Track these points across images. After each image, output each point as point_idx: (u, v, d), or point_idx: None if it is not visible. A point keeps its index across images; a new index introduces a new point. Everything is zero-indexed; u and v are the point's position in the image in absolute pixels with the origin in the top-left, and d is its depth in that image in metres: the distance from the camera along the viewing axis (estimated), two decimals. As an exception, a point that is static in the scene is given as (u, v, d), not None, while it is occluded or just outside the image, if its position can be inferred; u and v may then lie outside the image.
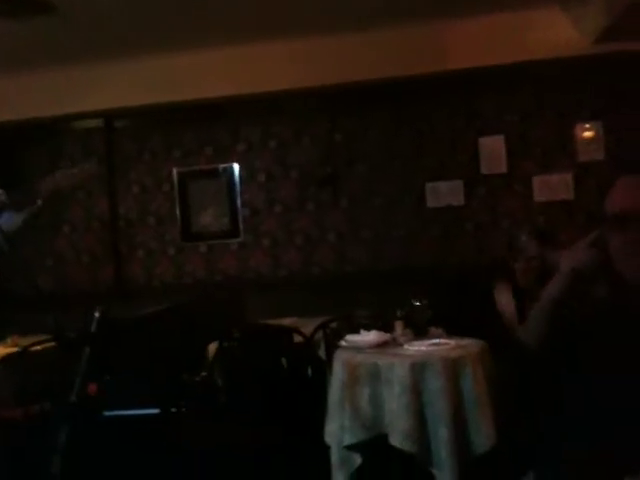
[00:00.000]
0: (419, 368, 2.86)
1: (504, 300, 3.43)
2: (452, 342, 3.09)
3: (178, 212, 5.46)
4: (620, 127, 4.84)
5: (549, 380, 1.57)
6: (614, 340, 1.47)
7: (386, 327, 3.33)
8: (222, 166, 5.40)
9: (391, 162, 5.17)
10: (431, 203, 5.14)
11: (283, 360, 3.80)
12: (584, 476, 1.40)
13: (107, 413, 3.72)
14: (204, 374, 4.01)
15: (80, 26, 4.35)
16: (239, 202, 5.39)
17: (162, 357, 4.08)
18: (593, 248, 1.51)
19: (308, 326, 3.94)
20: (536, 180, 5.04)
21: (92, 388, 3.72)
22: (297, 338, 3.82)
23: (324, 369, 3.69)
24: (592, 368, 1.47)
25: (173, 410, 3.74)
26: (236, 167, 5.38)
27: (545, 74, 4.92)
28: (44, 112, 5.16)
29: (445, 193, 5.11)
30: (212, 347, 3.93)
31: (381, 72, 4.82)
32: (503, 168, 5.08)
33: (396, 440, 2.78)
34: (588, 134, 4.99)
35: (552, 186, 5.02)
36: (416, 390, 2.83)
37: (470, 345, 3.07)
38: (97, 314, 3.91)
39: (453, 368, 2.87)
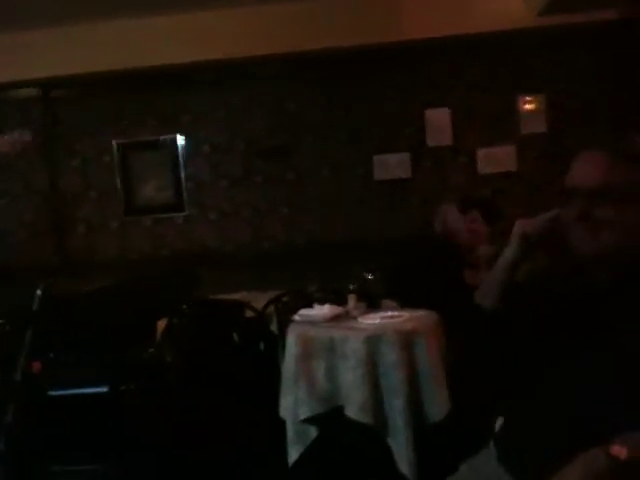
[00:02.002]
0: (374, 341, 2.87)
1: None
2: (406, 314, 3.11)
3: (120, 185, 5.31)
4: (563, 100, 4.94)
5: (504, 343, 1.61)
6: (560, 304, 1.51)
7: (339, 300, 3.33)
8: (165, 137, 5.26)
9: (339, 134, 5.14)
10: (378, 175, 5.15)
11: (234, 335, 3.77)
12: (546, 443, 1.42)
13: (53, 392, 3.63)
14: (152, 351, 3.95)
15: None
16: (183, 174, 5.27)
17: (109, 334, 3.99)
18: (549, 222, 1.56)
19: (259, 300, 3.93)
20: (480, 152, 5.11)
21: (36, 366, 3.62)
22: (248, 313, 3.79)
23: (276, 344, 3.68)
24: (544, 331, 1.51)
25: (122, 388, 3.67)
26: (179, 138, 5.26)
27: (490, 47, 4.96)
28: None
29: (393, 165, 5.12)
30: (161, 323, 3.86)
31: (329, 42, 4.76)
32: (448, 140, 5.13)
33: (352, 412, 2.79)
34: (531, 107, 5.08)
35: (496, 158, 5.10)
36: (371, 362, 2.85)
37: (423, 317, 3.11)
38: (39, 291, 3.78)
39: (407, 340, 2.90)
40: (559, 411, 1.43)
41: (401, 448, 2.78)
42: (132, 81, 5.14)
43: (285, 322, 3.49)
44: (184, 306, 3.98)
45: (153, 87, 5.20)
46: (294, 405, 2.96)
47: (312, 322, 3.16)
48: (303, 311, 3.30)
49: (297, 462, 2.95)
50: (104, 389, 3.65)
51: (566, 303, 1.52)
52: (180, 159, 5.28)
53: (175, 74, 5.11)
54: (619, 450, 1.24)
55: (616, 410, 1.32)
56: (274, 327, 3.85)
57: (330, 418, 2.88)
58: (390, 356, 2.86)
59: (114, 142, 5.29)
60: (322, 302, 3.34)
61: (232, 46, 4.77)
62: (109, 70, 4.89)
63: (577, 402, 1.39)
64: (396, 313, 3.15)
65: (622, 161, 1.46)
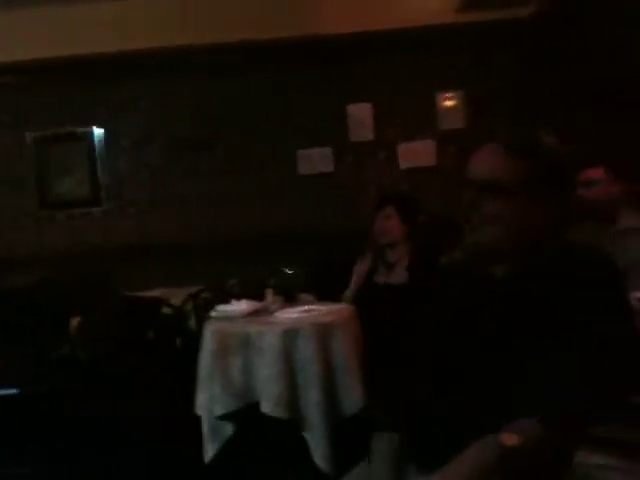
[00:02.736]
0: (290, 335, 2.86)
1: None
2: (323, 308, 3.12)
3: (34, 179, 5.10)
4: (481, 96, 5.04)
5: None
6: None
7: (257, 296, 3.30)
8: (82, 130, 5.10)
9: (262, 128, 5.09)
10: (302, 170, 5.14)
11: (150, 332, 3.69)
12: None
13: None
14: (66, 350, 3.83)
15: None
16: (101, 168, 5.12)
17: (19, 333, 3.85)
18: None
19: (177, 296, 3.85)
20: (401, 147, 5.17)
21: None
22: (166, 309, 3.72)
23: (194, 340, 3.62)
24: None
25: (33, 389, 3.56)
26: (97, 131, 5.10)
27: (409, 42, 4.98)
28: None
29: (316, 160, 5.12)
30: (75, 321, 3.74)
31: (251, 34, 4.69)
32: (370, 135, 5.16)
33: (268, 407, 2.77)
34: (450, 103, 5.15)
35: (416, 153, 5.16)
36: (287, 357, 2.83)
37: (340, 310, 3.12)
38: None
39: (324, 333, 2.90)
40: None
41: (317, 442, 2.79)
42: (48, 71, 4.91)
43: (203, 318, 3.43)
44: (100, 303, 3.87)
45: (70, 78, 4.98)
46: (209, 402, 2.93)
47: (229, 318, 3.13)
48: (220, 307, 3.26)
49: (213, 459, 2.92)
50: (13, 391, 3.53)
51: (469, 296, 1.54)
52: (98, 152, 5.13)
53: (92, 64, 4.91)
54: (509, 438, 1.26)
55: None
56: (192, 324, 3.79)
57: (246, 414, 2.86)
58: (306, 350, 2.85)
59: (28, 134, 5.08)
60: (240, 297, 3.31)
61: (151, 36, 4.63)
62: (24, 60, 4.67)
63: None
64: (313, 307, 3.15)
65: (518, 156, 1.47)
